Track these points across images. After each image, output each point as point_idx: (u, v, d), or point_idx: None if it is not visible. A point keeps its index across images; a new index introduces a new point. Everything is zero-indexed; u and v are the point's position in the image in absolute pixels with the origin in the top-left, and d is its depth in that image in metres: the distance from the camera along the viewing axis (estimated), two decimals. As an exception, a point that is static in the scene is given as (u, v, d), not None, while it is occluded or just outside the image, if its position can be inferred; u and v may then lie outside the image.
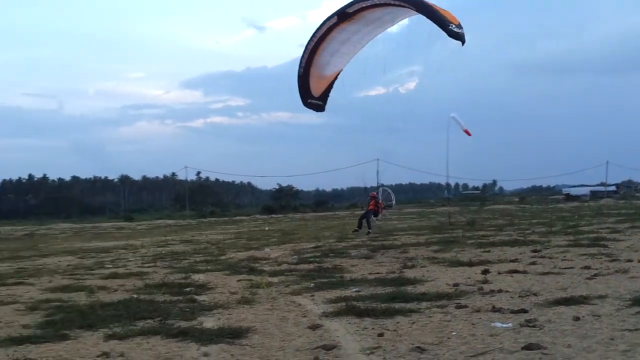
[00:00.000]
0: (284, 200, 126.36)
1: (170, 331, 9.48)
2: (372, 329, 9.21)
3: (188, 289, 14.34)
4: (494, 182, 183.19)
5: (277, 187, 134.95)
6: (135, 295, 13.53)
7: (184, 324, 10.12)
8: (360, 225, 31.28)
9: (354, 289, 13.19)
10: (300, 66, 20.07)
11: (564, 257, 17.58)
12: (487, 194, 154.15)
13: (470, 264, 16.66)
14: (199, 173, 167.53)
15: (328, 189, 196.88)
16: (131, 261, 23.82)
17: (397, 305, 10.85)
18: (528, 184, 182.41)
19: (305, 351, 8.14)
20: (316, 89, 20.89)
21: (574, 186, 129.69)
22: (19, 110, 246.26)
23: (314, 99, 20.93)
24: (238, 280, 15.84)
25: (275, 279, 15.62)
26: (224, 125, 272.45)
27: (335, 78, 21.15)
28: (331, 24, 19.05)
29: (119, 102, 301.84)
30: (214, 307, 11.80)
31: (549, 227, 31.04)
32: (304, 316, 10.59)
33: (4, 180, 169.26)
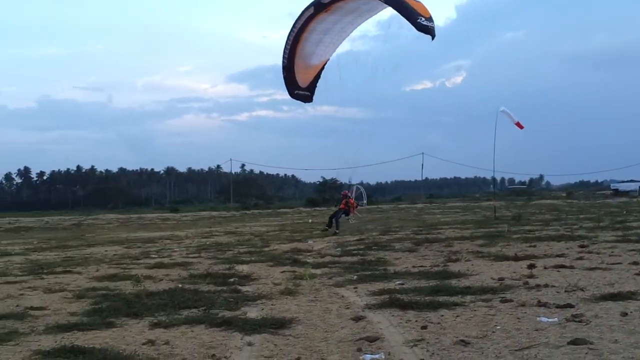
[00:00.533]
0: (328, 193, 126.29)
1: (215, 320, 9.54)
2: (416, 321, 9.15)
3: (232, 280, 14.41)
4: (541, 177, 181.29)
5: (321, 180, 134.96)
6: (180, 285, 13.65)
7: (228, 313, 10.18)
8: (330, 224, 30.70)
9: (398, 282, 13.13)
10: (284, 57, 19.86)
11: (612, 252, 17.24)
12: (534, 188, 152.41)
13: (516, 258, 16.45)
14: (243, 166, 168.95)
15: (372, 182, 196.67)
16: (176, 251, 24.04)
17: (441, 299, 10.76)
18: (575, 179, 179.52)
19: (348, 342, 8.12)
20: (303, 79, 20.67)
21: (623, 181, 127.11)
22: (70, 103, 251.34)
23: (300, 89, 20.72)
24: (281, 272, 15.90)
25: (318, 271, 15.61)
26: (269, 118, 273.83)
27: (322, 68, 20.91)
28: (309, 14, 18.81)
29: (167, 96, 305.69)
30: (258, 297, 11.85)
31: (597, 223, 30.53)
32: (347, 308, 10.56)
33: (53, 171, 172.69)
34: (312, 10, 18.46)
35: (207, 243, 28.38)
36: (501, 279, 13.00)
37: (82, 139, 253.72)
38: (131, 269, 17.62)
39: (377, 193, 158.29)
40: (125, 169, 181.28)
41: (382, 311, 10.01)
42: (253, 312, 10.32)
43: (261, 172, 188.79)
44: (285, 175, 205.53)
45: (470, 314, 9.58)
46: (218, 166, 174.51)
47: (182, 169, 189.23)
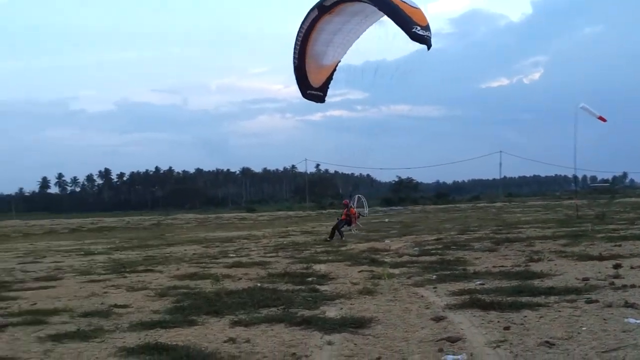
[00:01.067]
0: (404, 192, 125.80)
1: (294, 319, 9.56)
2: (498, 322, 8.97)
3: (310, 279, 14.44)
4: (625, 174, 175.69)
5: (396, 179, 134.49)
6: (258, 284, 13.76)
7: (307, 312, 10.18)
8: (332, 236, 29.42)
9: (478, 282, 12.92)
10: (294, 57, 19.59)
11: (703, 252, 16.61)
12: (617, 186, 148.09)
13: (601, 258, 15.98)
14: (318, 165, 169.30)
15: (449, 181, 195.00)
16: (254, 251, 24.25)
17: (523, 299, 10.52)
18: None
19: (429, 342, 8.01)
20: (315, 79, 20.30)
21: None
22: (148, 105, 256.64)
23: (313, 89, 20.40)
24: (359, 271, 15.82)
25: (396, 271, 15.50)
26: (343, 118, 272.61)
27: (334, 69, 20.55)
28: (314, 16, 18.48)
29: (240, 97, 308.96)
30: (336, 297, 11.83)
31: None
32: (427, 308, 10.43)
33: (133, 172, 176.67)
34: (316, 12, 18.23)
35: (284, 242, 28.57)
36: (586, 279, 12.64)
37: (160, 140, 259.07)
38: (210, 268, 17.85)
39: (454, 192, 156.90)
40: (201, 170, 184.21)
41: (463, 311, 9.85)
42: (332, 312, 10.30)
43: (336, 172, 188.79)
44: (360, 174, 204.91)
45: (554, 314, 9.33)
46: (293, 166, 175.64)
47: (257, 169, 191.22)
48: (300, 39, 18.70)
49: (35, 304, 12.14)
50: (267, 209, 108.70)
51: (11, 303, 12.28)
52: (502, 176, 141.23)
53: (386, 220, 50.06)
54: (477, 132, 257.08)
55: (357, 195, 31.72)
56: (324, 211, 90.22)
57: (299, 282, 13.97)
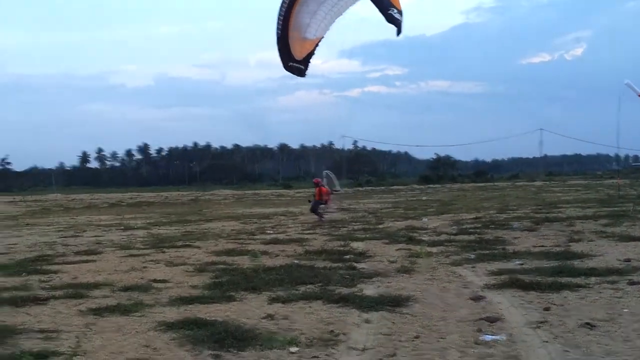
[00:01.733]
0: (442, 170, 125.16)
1: (332, 297, 9.57)
2: (538, 302, 8.90)
3: (347, 257, 14.43)
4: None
5: (434, 157, 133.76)
6: (296, 261, 13.80)
7: (344, 290, 10.19)
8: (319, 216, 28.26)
9: (517, 262, 12.80)
10: (277, 27, 19.31)
11: None
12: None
13: (643, 238, 15.75)
14: (355, 142, 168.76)
15: (488, 159, 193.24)
16: (291, 227, 24.34)
17: (563, 280, 10.41)
18: None
19: (467, 322, 7.97)
20: (298, 51, 19.93)
21: None
22: (189, 81, 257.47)
23: (295, 62, 20.06)
24: (397, 249, 15.78)
25: (434, 249, 15.44)
26: (381, 94, 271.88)
27: (317, 45, 20.21)
28: None
29: (279, 72, 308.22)
30: (374, 275, 11.81)
31: None
32: (466, 287, 10.39)
33: (171, 147, 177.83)
34: None
35: (322, 219, 28.56)
36: (627, 260, 12.47)
37: (198, 116, 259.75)
38: (248, 244, 17.94)
39: (493, 170, 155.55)
40: (239, 146, 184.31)
41: (502, 291, 9.79)
42: (370, 290, 10.29)
43: (374, 149, 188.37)
44: (398, 152, 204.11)
45: (595, 296, 9.24)
46: (330, 142, 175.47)
47: (294, 145, 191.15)
48: (284, 9, 18.53)
49: (76, 277, 12.32)
50: (303, 186, 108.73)
51: (53, 276, 12.48)
52: (543, 154, 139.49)
53: (424, 198, 49.86)
54: (518, 109, 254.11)
55: (324, 172, 30.59)
56: (360, 188, 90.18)
57: (337, 260, 13.98)
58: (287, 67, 19.75)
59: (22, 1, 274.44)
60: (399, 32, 15.73)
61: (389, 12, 15.13)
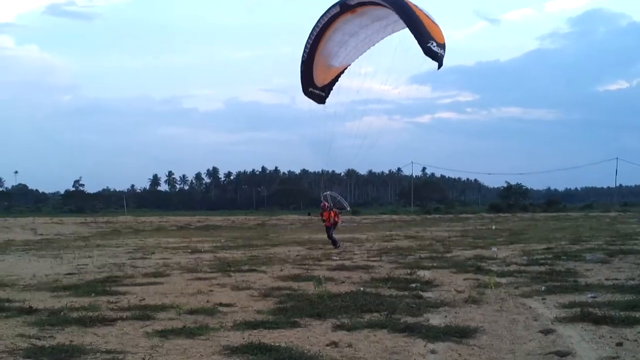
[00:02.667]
0: (513, 198, 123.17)
1: (397, 326, 9.46)
2: (610, 337, 8.62)
3: (414, 285, 14.23)
4: None
5: (505, 185, 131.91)
6: (361, 288, 13.67)
7: (410, 319, 10.05)
8: (335, 243, 28.07)
9: (590, 295, 12.42)
10: (304, 52, 18.84)
11: None
12: None
13: None
14: (424, 169, 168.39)
15: (560, 188, 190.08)
16: (357, 254, 24.20)
17: (637, 314, 10.05)
18: None
19: (536, 356, 7.79)
20: (320, 78, 19.44)
21: None
22: (256, 104, 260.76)
23: (316, 88, 19.54)
24: (464, 279, 15.53)
25: (503, 280, 15.11)
26: (452, 120, 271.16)
27: (342, 72, 19.67)
28: (335, 12, 17.70)
29: (348, 97, 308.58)
30: (441, 304, 11.64)
31: None
32: (535, 320, 10.14)
33: (239, 172, 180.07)
34: (337, 8, 17.62)
35: (388, 247, 28.36)
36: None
37: (267, 140, 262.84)
38: (313, 270, 17.92)
39: (566, 199, 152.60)
40: (307, 171, 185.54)
41: (573, 325, 9.53)
42: (436, 319, 10.13)
43: (442, 176, 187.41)
44: (468, 179, 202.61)
45: (673, 332, 8.88)
46: (399, 169, 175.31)
47: (362, 171, 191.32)
48: (315, 34, 18.26)
49: (143, 299, 12.48)
50: (370, 212, 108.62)
51: (121, 298, 12.66)
52: (618, 184, 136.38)
53: (493, 227, 49.10)
54: (592, 137, 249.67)
55: (325, 194, 29.42)
56: (428, 216, 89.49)
57: (403, 288, 13.82)
58: (307, 93, 19.67)
59: (98, 28, 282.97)
60: (439, 65, 15.49)
61: (428, 45, 14.85)
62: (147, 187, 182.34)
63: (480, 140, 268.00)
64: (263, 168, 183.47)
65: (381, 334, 9.03)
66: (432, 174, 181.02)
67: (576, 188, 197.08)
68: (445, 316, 10.48)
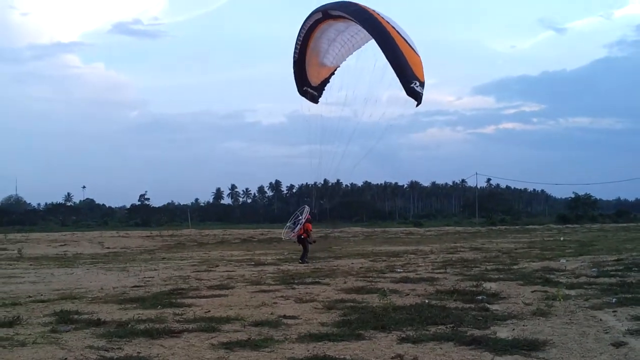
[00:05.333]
0: (581, 209, 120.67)
1: (463, 338, 9.32)
2: (686, 351, 8.32)
3: (480, 297, 14.01)
4: None
5: (573, 195, 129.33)
6: (426, 300, 13.54)
7: (477, 332, 9.90)
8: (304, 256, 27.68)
9: (663, 307, 12.05)
10: (295, 51, 18.42)
11: None
12: None
13: None
14: (489, 180, 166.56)
15: (631, 198, 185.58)
16: (421, 266, 24.00)
17: None
18: None
19: (609, 370, 7.54)
20: (314, 77, 18.93)
21: None
22: (318, 117, 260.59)
23: (310, 87, 19.01)
24: (532, 291, 15.21)
25: (572, 292, 14.77)
26: (517, 131, 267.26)
27: (333, 73, 19.12)
28: (317, 17, 17.28)
29: (411, 109, 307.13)
30: (508, 317, 11.44)
31: None
32: (606, 332, 9.88)
33: (302, 184, 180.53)
34: (320, 15, 17.27)
35: (453, 259, 28.10)
36: None
37: (329, 153, 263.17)
38: (377, 282, 17.81)
39: (637, 210, 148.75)
40: (369, 183, 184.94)
41: (646, 338, 9.21)
42: (503, 332, 9.95)
43: (508, 187, 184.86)
44: (534, 190, 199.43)
45: None
46: (463, 180, 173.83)
47: (425, 182, 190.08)
48: (302, 34, 18.05)
49: (208, 311, 12.55)
50: (434, 224, 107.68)
51: (187, 310, 12.76)
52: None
53: (561, 238, 48.17)
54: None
55: (304, 207, 28.46)
56: (494, 227, 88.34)
57: (469, 300, 13.62)
58: (302, 92, 19.46)
59: (163, 45, 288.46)
60: (418, 104, 15.14)
61: (412, 85, 14.46)
62: (211, 201, 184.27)
63: (547, 151, 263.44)
64: (325, 180, 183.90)
65: (447, 347, 8.90)
66: (497, 185, 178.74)
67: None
68: (513, 329, 10.28)
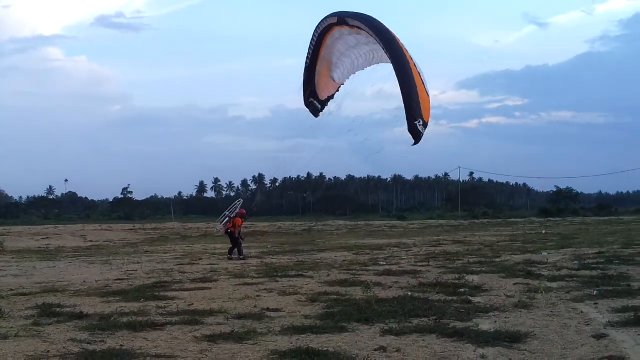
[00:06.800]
0: (563, 203, 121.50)
1: (446, 331, 9.37)
2: (667, 343, 8.40)
3: (462, 290, 14.08)
4: None
5: (555, 189, 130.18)
6: (409, 293, 13.57)
7: (459, 324, 9.96)
8: (241, 253, 26.27)
9: (644, 299, 12.16)
10: (307, 57, 18.10)
11: None
12: None
13: None
14: (472, 174, 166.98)
15: (612, 192, 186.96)
16: (404, 259, 24.07)
17: (695, 319, 9.81)
18: None
19: (589, 361, 7.62)
20: (323, 90, 18.48)
21: None
22: (302, 112, 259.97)
23: (317, 100, 18.65)
24: (514, 284, 15.28)
25: (554, 284, 14.86)
26: (500, 125, 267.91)
27: (337, 90, 18.78)
28: (332, 22, 16.99)
29: (395, 103, 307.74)
30: (490, 309, 11.51)
31: None
32: (587, 324, 9.96)
33: (285, 178, 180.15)
34: (335, 19, 16.91)
35: (436, 252, 28.19)
36: None
37: (312, 147, 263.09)
38: (361, 275, 17.84)
39: (618, 204, 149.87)
40: (353, 177, 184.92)
41: (627, 330, 9.35)
42: (486, 324, 10.01)
43: (490, 181, 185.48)
44: (516, 183, 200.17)
45: None
46: (446, 174, 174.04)
47: (409, 176, 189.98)
48: (315, 39, 17.69)
49: (192, 304, 12.55)
50: (418, 217, 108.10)
51: (170, 303, 12.74)
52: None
53: (543, 232, 48.46)
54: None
55: (239, 200, 27.82)
56: (476, 221, 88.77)
57: (451, 293, 13.67)
58: (307, 102, 19.00)
59: (147, 38, 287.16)
60: (415, 143, 15.15)
61: (415, 122, 14.34)
62: (194, 194, 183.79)
63: (530, 145, 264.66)
64: (309, 174, 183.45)
65: (430, 339, 8.95)
66: (480, 179, 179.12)
67: (628, 192, 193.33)
68: (495, 321, 10.35)
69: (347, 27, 16.63)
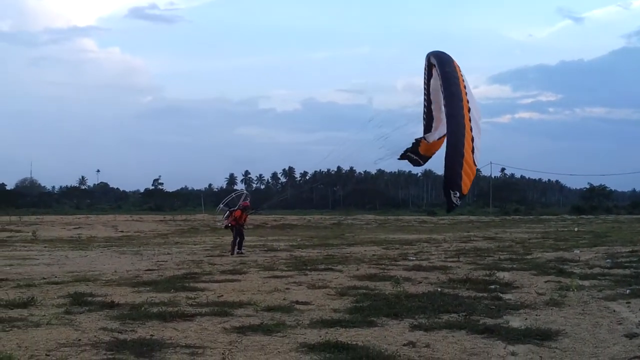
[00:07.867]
0: (596, 200, 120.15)
1: (476, 327, 9.33)
2: (701, 343, 8.27)
3: (493, 287, 14.00)
4: None
5: (588, 186, 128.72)
6: (439, 289, 13.56)
7: (489, 321, 9.91)
8: (240, 246, 25.12)
9: (678, 299, 11.99)
10: (424, 98, 16.94)
11: None
12: None
13: None
14: (503, 169, 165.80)
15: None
16: (434, 255, 23.99)
17: None
18: None
19: (621, 360, 7.52)
20: (428, 146, 17.20)
21: None
22: (332, 105, 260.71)
23: (421, 156, 17.44)
24: (545, 281, 15.18)
25: (586, 282, 14.71)
26: (533, 120, 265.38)
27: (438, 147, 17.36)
28: (427, 63, 16.08)
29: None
30: (521, 306, 11.43)
31: None
32: (619, 323, 9.85)
33: (315, 171, 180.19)
34: (427, 61, 15.98)
35: (466, 248, 28.04)
36: None
37: (343, 140, 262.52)
38: (390, 270, 17.82)
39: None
40: (383, 171, 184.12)
41: (660, 330, 9.17)
42: (516, 321, 9.94)
43: (522, 177, 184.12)
44: (549, 180, 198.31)
45: None
46: (477, 169, 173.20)
47: (439, 171, 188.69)
48: (425, 79, 16.75)
49: (221, 296, 12.62)
50: (448, 213, 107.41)
51: (200, 294, 12.82)
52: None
53: (575, 229, 47.96)
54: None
55: (245, 193, 26.96)
56: (507, 217, 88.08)
57: (482, 289, 13.61)
58: (414, 155, 17.89)
59: (179, 30, 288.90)
60: (448, 210, 14.78)
61: (451, 192, 13.90)
62: (224, 186, 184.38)
63: (563, 141, 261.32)
64: (339, 168, 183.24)
65: (459, 335, 8.90)
66: (512, 175, 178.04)
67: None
68: (526, 318, 10.27)
69: (434, 69, 15.90)
